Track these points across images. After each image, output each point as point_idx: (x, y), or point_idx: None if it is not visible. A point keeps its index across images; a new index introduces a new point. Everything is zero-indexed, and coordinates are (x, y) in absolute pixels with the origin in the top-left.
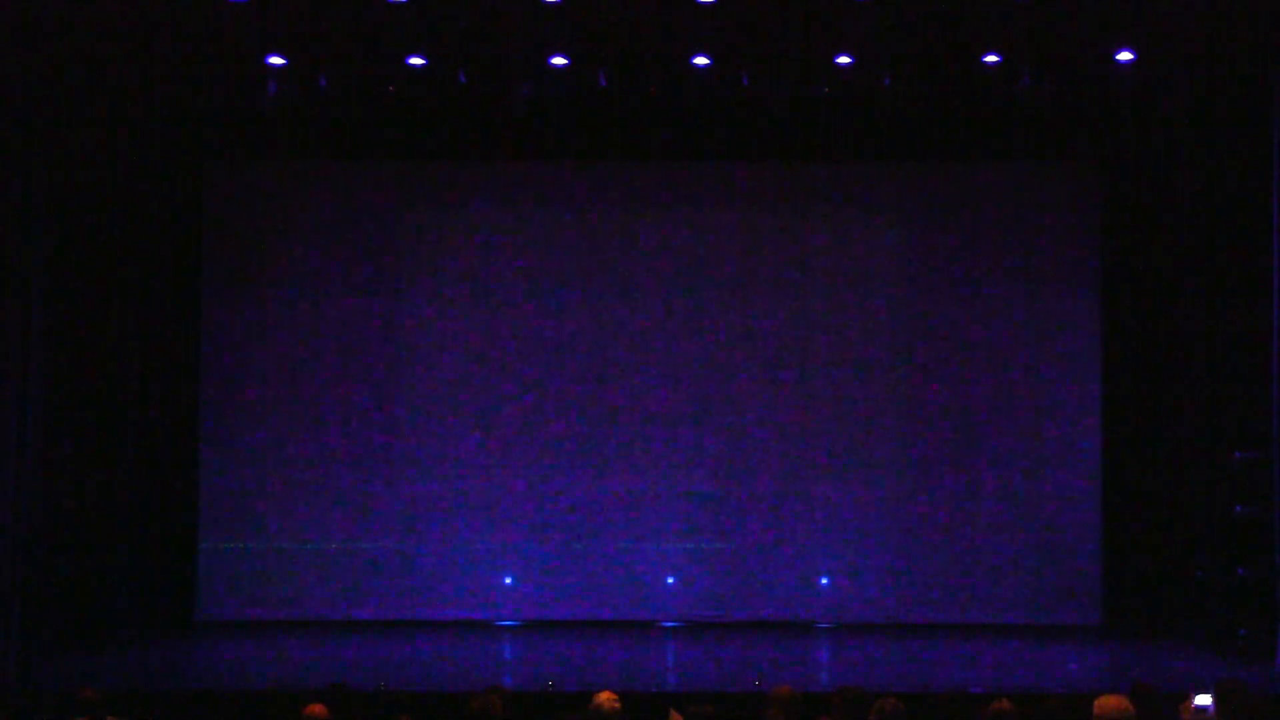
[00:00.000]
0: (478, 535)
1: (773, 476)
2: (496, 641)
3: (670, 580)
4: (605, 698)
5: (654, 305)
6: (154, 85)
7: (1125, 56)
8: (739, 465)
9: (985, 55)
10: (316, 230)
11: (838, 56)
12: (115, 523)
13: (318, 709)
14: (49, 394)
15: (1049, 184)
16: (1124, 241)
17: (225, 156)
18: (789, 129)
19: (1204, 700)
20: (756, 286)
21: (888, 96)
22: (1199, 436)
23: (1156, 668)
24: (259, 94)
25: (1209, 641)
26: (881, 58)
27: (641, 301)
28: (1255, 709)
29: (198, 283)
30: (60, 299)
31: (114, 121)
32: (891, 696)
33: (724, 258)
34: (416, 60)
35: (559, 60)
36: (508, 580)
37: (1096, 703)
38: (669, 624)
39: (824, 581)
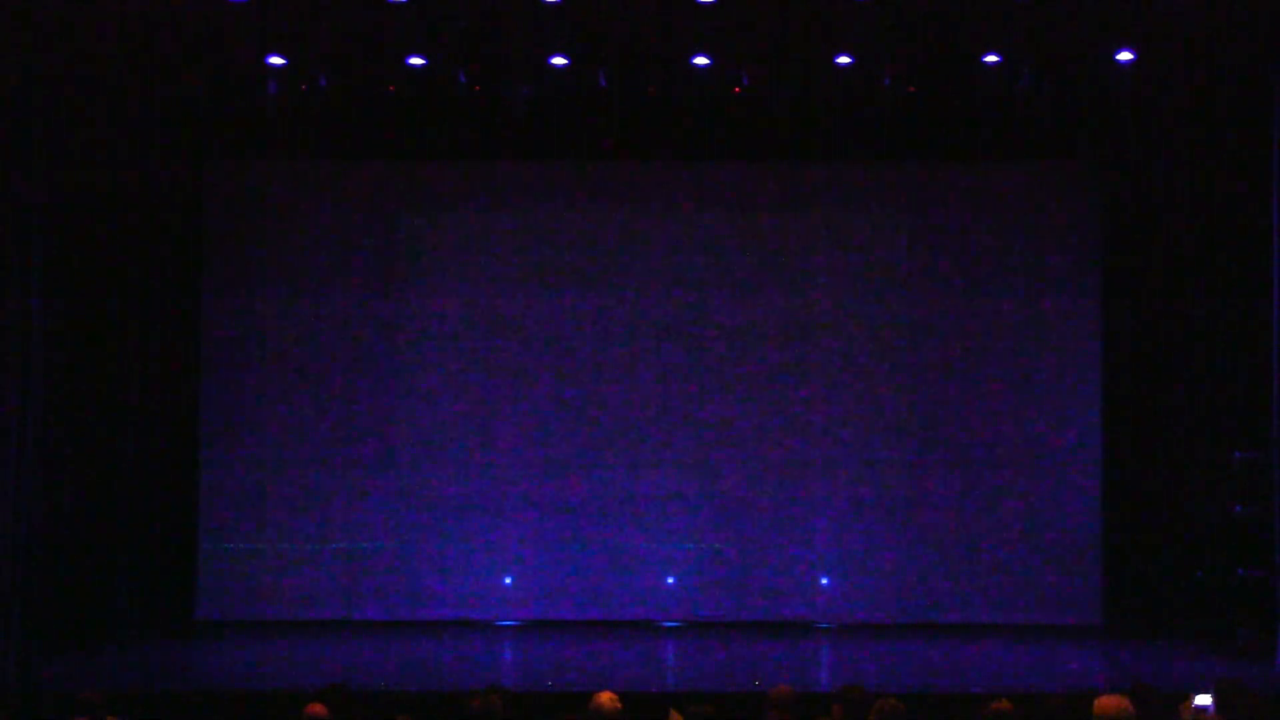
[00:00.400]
0: (478, 535)
1: (773, 476)
2: (496, 641)
3: (670, 580)
4: (605, 698)
5: (654, 305)
6: (154, 84)
7: (1125, 56)
8: (739, 465)
9: (985, 55)
10: (316, 230)
11: (838, 56)
12: (115, 523)
13: (318, 709)
14: (49, 394)
15: (1049, 184)
16: (1124, 241)
17: (225, 156)
18: (789, 129)
19: (1204, 700)
20: (757, 286)
21: (888, 96)
22: (1199, 436)
23: (1156, 668)
24: (259, 94)
25: (1209, 641)
26: (881, 58)
27: (641, 301)
28: (1255, 709)
29: (198, 283)
30: (60, 299)
31: (114, 121)
32: (891, 697)
33: (724, 258)
34: (416, 60)
35: (559, 60)
36: (508, 580)
37: (1096, 703)
38: (669, 624)
39: (824, 581)
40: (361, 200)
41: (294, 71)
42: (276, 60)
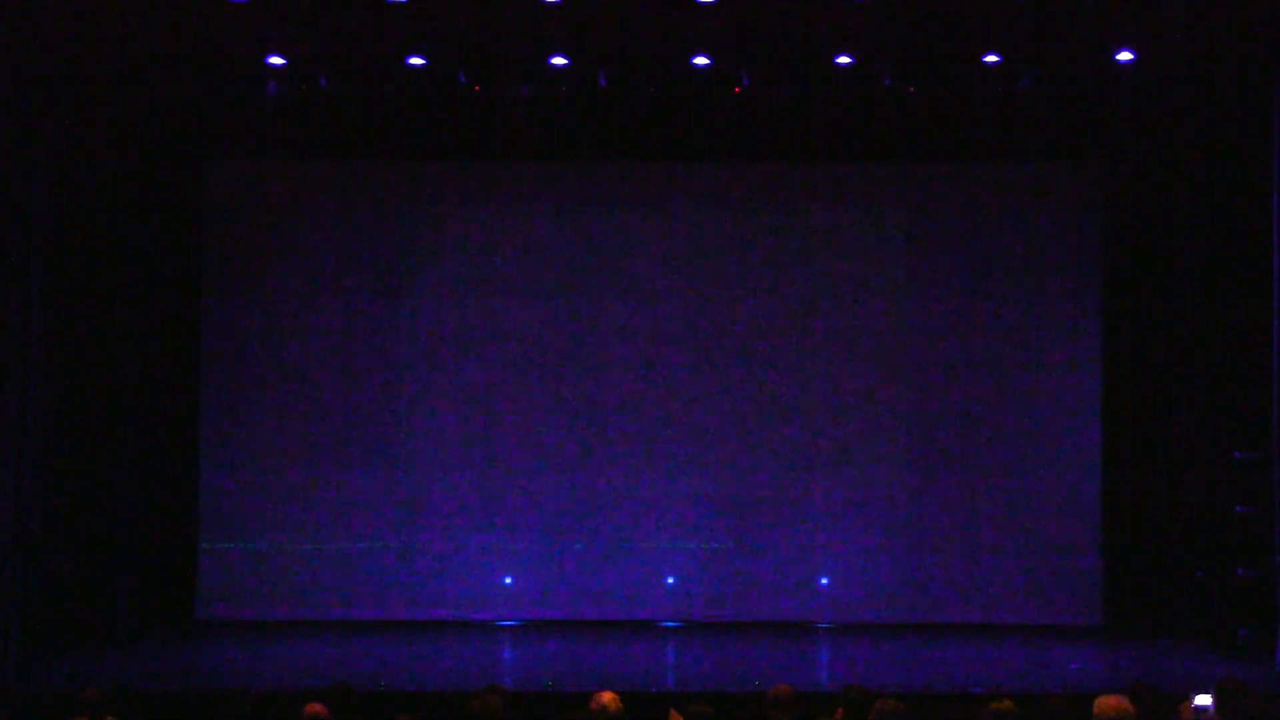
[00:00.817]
0: (478, 535)
1: (772, 476)
2: (496, 641)
3: (670, 580)
4: (606, 698)
5: (654, 305)
6: (153, 85)
7: (1125, 56)
8: (739, 465)
9: (985, 55)
10: (316, 230)
11: (837, 56)
12: (115, 523)
13: (318, 709)
14: (49, 394)
15: (1050, 184)
16: (1125, 241)
17: (225, 156)
18: (789, 129)
19: (1204, 700)
20: (757, 286)
21: (887, 96)
22: (1199, 436)
23: (1156, 668)
24: (259, 94)
25: (1209, 641)
26: (881, 58)
27: (641, 301)
28: (1255, 709)
29: (198, 283)
30: (60, 299)
31: (114, 121)
32: (892, 697)
33: (724, 258)
34: (416, 60)
35: (559, 60)
36: (508, 580)
37: (1096, 703)
38: (669, 624)
39: (824, 581)
40: (362, 200)
41: (294, 71)
42: (276, 60)
